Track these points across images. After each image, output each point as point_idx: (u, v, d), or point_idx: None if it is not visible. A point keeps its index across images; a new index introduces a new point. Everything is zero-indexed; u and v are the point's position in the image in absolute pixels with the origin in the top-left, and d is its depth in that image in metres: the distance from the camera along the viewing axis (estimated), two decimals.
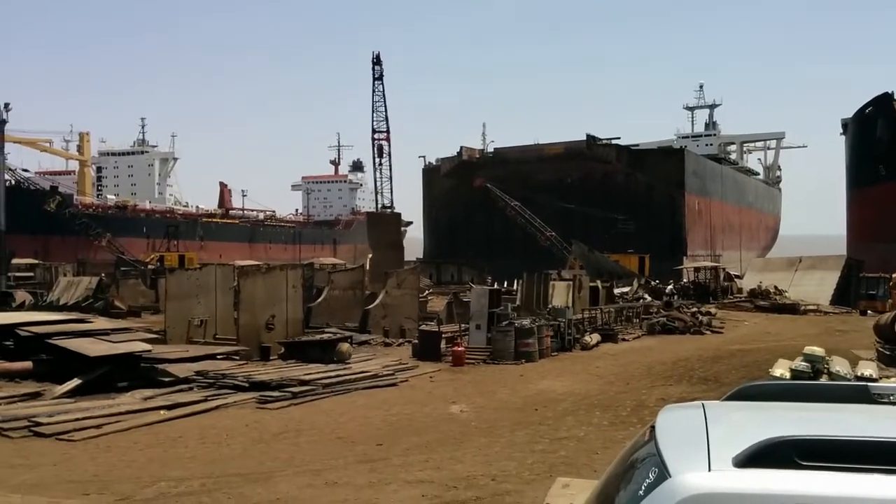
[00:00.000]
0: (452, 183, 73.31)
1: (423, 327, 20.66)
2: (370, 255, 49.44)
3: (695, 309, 30.28)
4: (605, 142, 69.84)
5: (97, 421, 10.53)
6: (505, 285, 36.70)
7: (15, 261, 46.83)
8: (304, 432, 10.27)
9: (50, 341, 14.05)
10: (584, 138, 69.12)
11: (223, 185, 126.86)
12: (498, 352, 17.71)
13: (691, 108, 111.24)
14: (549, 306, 23.78)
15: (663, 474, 2.06)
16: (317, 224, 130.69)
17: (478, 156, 76.18)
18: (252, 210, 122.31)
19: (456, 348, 17.37)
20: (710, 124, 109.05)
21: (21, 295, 32.26)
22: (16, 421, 10.35)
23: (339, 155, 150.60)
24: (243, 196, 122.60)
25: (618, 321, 26.00)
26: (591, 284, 30.71)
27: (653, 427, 2.51)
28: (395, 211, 59.56)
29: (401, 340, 21.11)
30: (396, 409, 11.95)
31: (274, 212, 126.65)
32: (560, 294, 27.02)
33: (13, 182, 65.75)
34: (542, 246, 58.97)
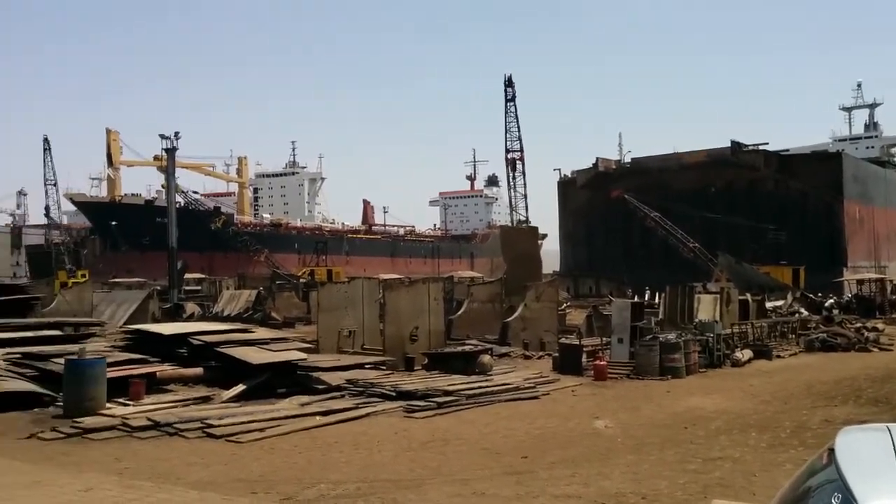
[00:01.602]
0: (588, 195, 72.18)
1: (564, 340, 20.48)
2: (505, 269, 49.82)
3: (859, 324, 27.91)
4: (751, 148, 66.17)
5: (261, 424, 11.31)
6: (646, 298, 35.59)
7: (187, 275, 51.31)
8: (450, 442, 10.50)
9: (218, 349, 15.28)
10: (728, 145, 65.92)
11: (366, 203, 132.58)
12: (642, 367, 17.22)
13: (848, 109, 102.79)
14: (696, 320, 22.82)
15: (849, 501, 1.93)
16: (454, 238, 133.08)
17: (614, 166, 74.57)
18: (393, 226, 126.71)
19: (598, 362, 17.08)
20: (871, 125, 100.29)
21: (191, 307, 35.34)
22: (191, 422, 11.32)
23: (474, 170, 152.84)
24: (385, 212, 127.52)
25: (771, 337, 24.47)
26: (741, 298, 29.10)
27: (831, 450, 2.35)
28: (532, 224, 59.66)
29: (541, 353, 21.04)
30: (540, 422, 11.94)
31: (413, 227, 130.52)
32: (706, 308, 25.84)
33: (182, 204, 72.00)
34: (684, 258, 56.67)
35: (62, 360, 13.13)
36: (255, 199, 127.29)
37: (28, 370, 14.47)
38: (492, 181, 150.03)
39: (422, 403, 12.99)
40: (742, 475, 8.59)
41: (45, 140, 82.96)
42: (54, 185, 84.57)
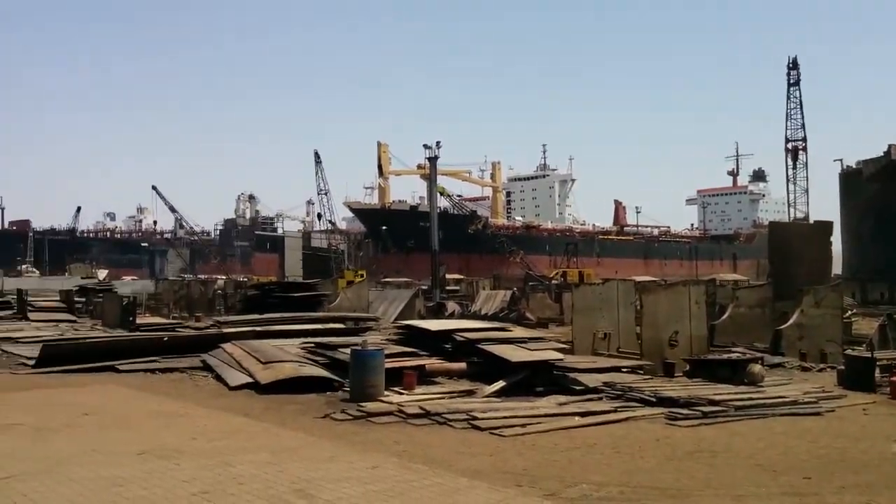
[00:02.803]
0: (878, 188, 63.33)
1: (850, 352, 18.23)
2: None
3: None
4: None
5: (522, 420, 11.64)
6: None
7: (446, 276, 54.78)
8: (718, 454, 9.90)
9: (479, 346, 16.05)
10: None
11: (618, 203, 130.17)
12: None
13: None
14: None
15: None
16: (714, 238, 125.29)
17: None
18: (646, 226, 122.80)
19: None
20: None
21: (451, 305, 37.59)
22: (457, 414, 12.01)
23: (737, 165, 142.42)
24: (637, 213, 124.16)
25: None
26: None
27: None
28: (825, 220, 54.26)
29: (821, 366, 18.96)
30: (824, 441, 10.76)
31: (668, 227, 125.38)
32: None
33: (442, 208, 76.99)
34: None
35: (348, 351, 14.73)
36: (508, 202, 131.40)
37: (320, 358, 16.49)
38: (758, 176, 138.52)
39: (685, 411, 12.41)
40: None
41: (316, 154, 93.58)
42: (326, 194, 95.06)
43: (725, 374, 15.25)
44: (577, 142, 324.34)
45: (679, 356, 17.95)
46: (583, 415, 12.26)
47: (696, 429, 11.57)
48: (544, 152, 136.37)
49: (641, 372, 16.76)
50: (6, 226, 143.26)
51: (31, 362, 18.80)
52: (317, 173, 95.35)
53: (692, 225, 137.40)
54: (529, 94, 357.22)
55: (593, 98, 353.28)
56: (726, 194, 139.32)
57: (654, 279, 50.52)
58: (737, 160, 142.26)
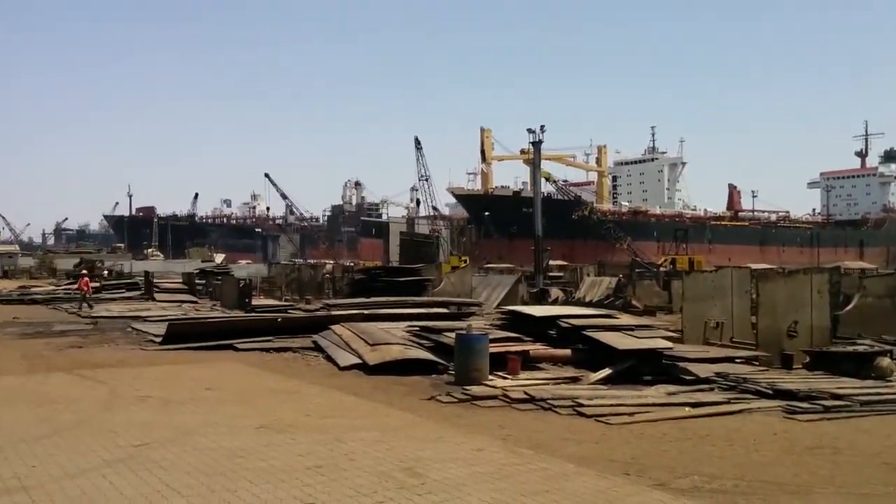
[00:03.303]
0: None
1: None
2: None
3: None
4: None
5: (629, 409, 11.42)
6: None
7: (551, 262, 54.30)
8: (841, 451, 9.36)
9: (584, 333, 15.84)
10: None
11: (732, 187, 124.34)
12: None
13: None
14: None
15: None
16: (838, 224, 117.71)
17: None
18: (762, 211, 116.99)
19: None
20: None
21: (555, 292, 37.22)
22: (562, 400, 11.92)
23: (866, 145, 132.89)
24: (753, 197, 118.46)
25: None
26: None
27: None
28: None
29: None
30: None
31: (787, 212, 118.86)
32: None
33: (545, 193, 76.28)
34: None
35: (452, 334, 14.91)
36: (614, 186, 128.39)
37: (425, 341, 16.79)
38: (890, 156, 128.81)
39: (804, 405, 11.77)
40: None
41: (416, 140, 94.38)
42: (426, 180, 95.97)
43: (850, 368, 14.35)
44: (688, 124, 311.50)
45: (798, 348, 17.03)
46: (693, 405, 11.87)
47: (816, 423, 10.97)
48: (653, 135, 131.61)
49: (756, 363, 16.02)
50: (134, 212, 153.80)
51: (158, 340, 20.24)
52: (417, 160, 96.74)
53: (814, 210, 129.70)
54: (638, 73, 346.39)
55: (706, 78, 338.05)
56: (853, 177, 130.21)
57: (770, 267, 48.06)
58: (866, 140, 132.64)
